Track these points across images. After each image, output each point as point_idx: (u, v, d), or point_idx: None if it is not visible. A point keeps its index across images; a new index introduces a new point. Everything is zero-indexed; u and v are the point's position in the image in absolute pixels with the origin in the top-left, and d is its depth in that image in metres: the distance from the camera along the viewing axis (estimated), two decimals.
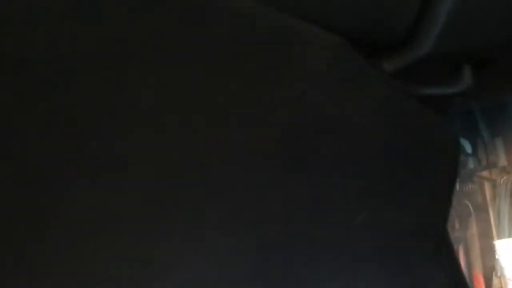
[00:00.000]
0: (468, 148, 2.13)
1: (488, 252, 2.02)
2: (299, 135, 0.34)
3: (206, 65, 0.31)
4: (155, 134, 0.29)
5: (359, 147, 0.37)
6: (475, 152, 2.12)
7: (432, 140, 0.46)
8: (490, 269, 2.01)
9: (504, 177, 2.04)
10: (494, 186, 2.06)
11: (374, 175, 0.38)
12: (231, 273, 0.30)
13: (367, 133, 0.38)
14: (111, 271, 0.27)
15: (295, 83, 0.35)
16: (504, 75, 0.65)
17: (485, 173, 2.08)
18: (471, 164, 2.12)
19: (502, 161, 2.08)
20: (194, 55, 0.31)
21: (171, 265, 0.28)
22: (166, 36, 0.31)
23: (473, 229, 2.10)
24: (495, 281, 1.97)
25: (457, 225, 2.08)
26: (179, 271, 0.28)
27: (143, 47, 0.30)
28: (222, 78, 0.32)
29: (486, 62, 0.58)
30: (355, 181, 0.36)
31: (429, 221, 0.44)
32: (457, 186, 2.07)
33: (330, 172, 0.35)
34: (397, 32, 0.49)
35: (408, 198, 0.42)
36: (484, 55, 0.58)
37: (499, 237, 2.01)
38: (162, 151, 0.28)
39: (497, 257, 1.94)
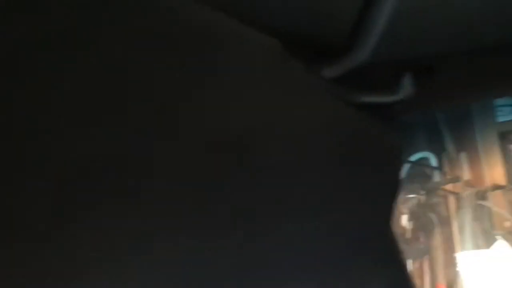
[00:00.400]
0: (434, 161, 2.17)
1: (452, 264, 2.05)
2: (230, 141, 0.33)
3: (130, 62, 0.31)
4: (76, 134, 0.28)
5: (295, 155, 0.36)
6: (440, 166, 2.16)
7: (373, 149, 0.45)
8: (453, 281, 2.04)
9: (468, 191, 2.08)
10: (458, 199, 2.10)
11: (310, 184, 0.37)
12: (178, 280, 0.29)
13: (303, 140, 0.38)
14: (36, 272, 0.26)
15: (225, 85, 0.35)
16: (448, 84, 0.66)
17: (449, 186, 2.12)
18: (436, 177, 2.16)
19: (466, 175, 2.13)
20: (117, 52, 0.31)
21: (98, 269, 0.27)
22: (86, 30, 0.30)
23: (437, 241, 2.13)
24: None
25: (422, 238, 2.11)
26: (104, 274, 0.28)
27: (63, 43, 0.29)
28: (144, 78, 0.31)
29: (428, 70, 0.59)
30: (290, 190, 0.35)
31: (370, 230, 0.43)
32: (423, 198, 2.10)
33: (263, 180, 0.34)
34: (336, 38, 0.49)
35: (347, 208, 0.41)
36: (426, 64, 0.58)
37: (461, 250, 2.04)
38: (75, 153, 0.28)
39: (457, 269, 1.97)
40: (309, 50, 0.50)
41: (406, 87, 0.58)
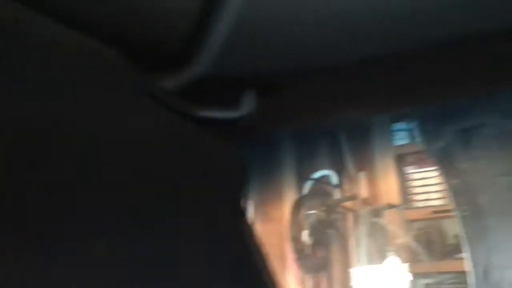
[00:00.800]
0: (334, 179, 2.27)
1: (347, 279, 2.13)
2: (42, 148, 0.31)
3: None
4: None
5: (121, 165, 0.35)
6: (340, 184, 2.26)
7: (210, 165, 0.44)
8: None
9: (365, 209, 2.18)
10: (355, 216, 2.20)
11: (134, 199, 0.35)
12: None
13: (133, 152, 0.37)
14: None
15: (45, 92, 0.34)
16: (294, 104, 0.67)
17: (348, 204, 2.22)
18: (337, 194, 2.25)
19: (364, 193, 2.24)
20: None
21: None
22: None
23: (335, 256, 2.22)
24: None
25: (320, 253, 2.18)
26: None
27: None
28: None
29: (273, 87, 0.59)
30: (109, 205, 0.33)
31: (215, 244, 0.42)
32: (323, 215, 2.18)
33: (73, 193, 0.32)
34: (173, 49, 0.50)
35: (176, 227, 0.39)
36: (271, 80, 0.58)
37: (357, 265, 2.14)
38: None
39: (351, 284, 2.06)
40: (147, 59, 0.49)
41: (248, 104, 0.56)
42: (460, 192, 1.69)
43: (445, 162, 1.71)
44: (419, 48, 0.56)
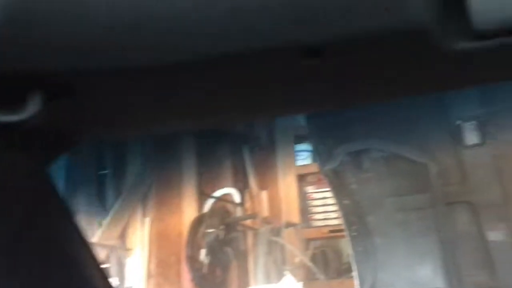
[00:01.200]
0: (237, 198, 2.28)
1: None
2: None
3: None
4: None
5: None
6: (243, 202, 2.27)
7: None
8: None
9: (265, 227, 2.20)
10: (255, 235, 2.21)
11: None
12: None
13: None
14: None
15: None
16: (89, 108, 0.60)
17: (248, 222, 2.23)
18: (238, 213, 2.26)
19: (265, 211, 2.26)
20: None
21: None
22: None
23: (233, 275, 2.21)
24: None
25: (218, 272, 2.17)
26: None
27: None
28: None
29: (65, 89, 0.53)
30: None
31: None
32: (221, 233, 2.17)
33: None
34: None
35: None
36: (63, 81, 0.53)
37: (255, 284, 2.14)
38: None
39: None
40: None
41: (32, 107, 0.50)
42: (350, 212, 1.75)
43: (336, 182, 1.76)
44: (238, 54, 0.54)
